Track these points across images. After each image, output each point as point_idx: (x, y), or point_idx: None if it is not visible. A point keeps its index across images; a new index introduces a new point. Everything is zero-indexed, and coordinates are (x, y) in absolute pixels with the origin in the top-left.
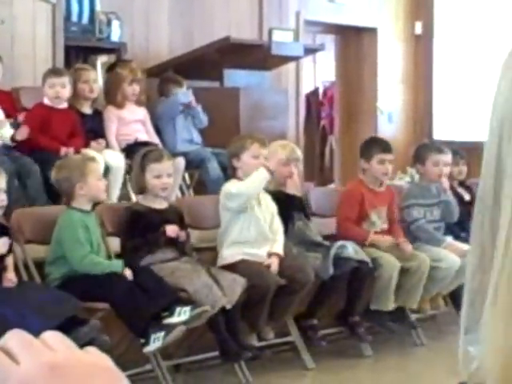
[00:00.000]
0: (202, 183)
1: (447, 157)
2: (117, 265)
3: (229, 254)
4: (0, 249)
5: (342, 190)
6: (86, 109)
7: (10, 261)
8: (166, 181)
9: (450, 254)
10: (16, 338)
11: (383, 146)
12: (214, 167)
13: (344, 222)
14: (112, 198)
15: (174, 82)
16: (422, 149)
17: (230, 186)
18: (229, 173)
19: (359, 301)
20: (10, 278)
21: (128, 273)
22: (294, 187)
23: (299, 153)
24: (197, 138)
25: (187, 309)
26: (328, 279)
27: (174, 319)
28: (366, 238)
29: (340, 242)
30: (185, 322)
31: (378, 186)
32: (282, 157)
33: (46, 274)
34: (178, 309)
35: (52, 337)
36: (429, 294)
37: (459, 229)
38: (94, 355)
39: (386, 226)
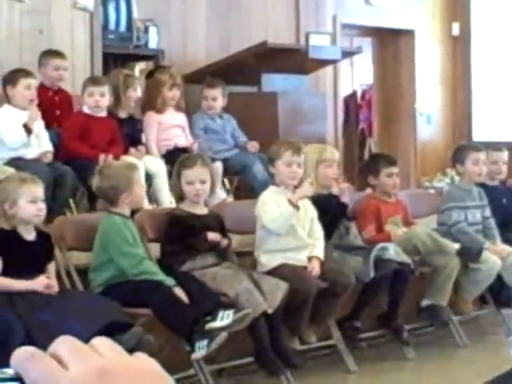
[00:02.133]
0: (242, 188)
1: (499, 155)
2: (170, 282)
3: (267, 260)
4: (40, 288)
5: (356, 207)
6: (123, 114)
7: (51, 268)
8: (199, 187)
9: (492, 255)
10: (65, 344)
11: (388, 159)
12: (259, 170)
13: (366, 234)
14: (164, 204)
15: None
16: (461, 148)
17: (265, 212)
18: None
19: (402, 303)
20: (53, 285)
21: (179, 291)
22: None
23: (337, 155)
24: (230, 141)
25: (230, 312)
26: (369, 282)
27: (217, 323)
28: (389, 237)
29: (381, 244)
30: (227, 326)
31: (389, 198)
32: (323, 158)
33: (89, 281)
34: (220, 313)
35: (101, 342)
36: (470, 296)
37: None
38: (142, 360)
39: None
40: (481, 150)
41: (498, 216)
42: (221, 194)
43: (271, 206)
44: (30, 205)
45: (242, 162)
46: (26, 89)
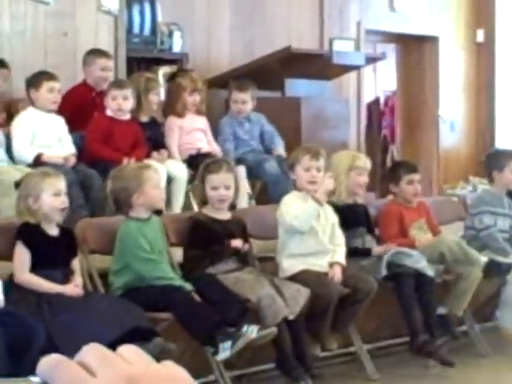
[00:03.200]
0: (263, 192)
1: None
2: (188, 287)
3: (289, 265)
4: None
5: (378, 214)
6: (144, 117)
7: (76, 264)
8: (224, 193)
9: None
10: (93, 351)
11: (410, 166)
12: (272, 166)
13: (390, 238)
14: (175, 208)
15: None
16: (500, 156)
17: (288, 212)
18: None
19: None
20: (78, 283)
21: (196, 296)
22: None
23: (369, 163)
24: (257, 146)
25: (254, 328)
26: (382, 281)
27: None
28: (413, 243)
29: (396, 249)
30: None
31: (411, 204)
32: (355, 165)
33: (110, 284)
34: (245, 327)
35: (128, 350)
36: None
37: None
38: (170, 368)
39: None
40: None
41: None
42: (243, 202)
43: (294, 206)
44: (53, 198)
45: (255, 159)
46: (49, 92)
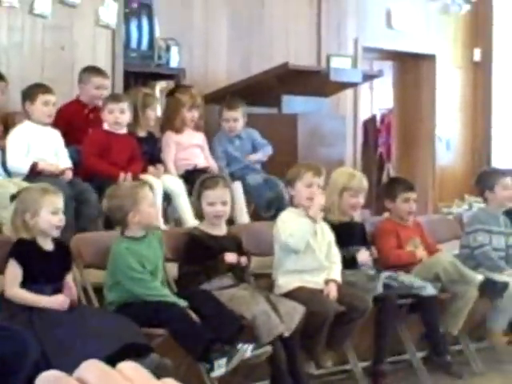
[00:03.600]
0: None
1: None
2: (182, 303)
3: (284, 282)
4: (60, 306)
5: (374, 229)
6: (141, 132)
7: (69, 278)
8: (220, 208)
9: None
10: (92, 368)
11: (406, 184)
12: (254, 178)
13: (390, 250)
14: (188, 222)
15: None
16: (489, 175)
17: (283, 230)
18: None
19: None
20: (69, 293)
21: (190, 313)
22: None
23: (366, 183)
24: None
25: (249, 347)
26: (382, 307)
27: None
28: (414, 257)
29: (389, 273)
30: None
31: (405, 222)
32: (350, 186)
33: (103, 300)
34: (240, 345)
35: (128, 367)
36: (499, 326)
37: None
38: None
39: (425, 254)
40: (507, 174)
41: None
42: (244, 217)
43: (290, 223)
44: (51, 216)
45: (238, 172)
46: (44, 105)
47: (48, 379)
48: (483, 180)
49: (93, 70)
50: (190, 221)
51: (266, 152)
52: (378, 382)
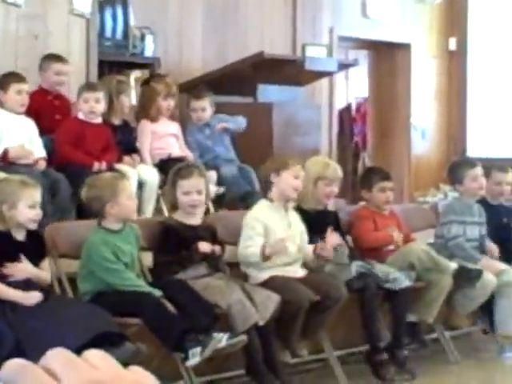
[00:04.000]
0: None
1: (502, 176)
2: (157, 293)
3: (257, 274)
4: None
5: (350, 217)
6: (116, 120)
7: (46, 265)
8: (195, 198)
9: (488, 274)
10: (58, 356)
11: (383, 174)
12: (229, 169)
13: (367, 233)
14: (146, 213)
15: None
16: (457, 168)
17: (244, 240)
18: (262, 188)
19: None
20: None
21: (165, 302)
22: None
23: (340, 172)
24: (221, 151)
25: (224, 336)
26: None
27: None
28: (391, 238)
29: (362, 262)
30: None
31: (382, 211)
32: (325, 175)
33: (77, 290)
34: (214, 334)
35: (94, 355)
36: (464, 311)
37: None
38: (138, 373)
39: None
40: (476, 164)
41: (498, 235)
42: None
43: (252, 236)
44: (29, 209)
45: (211, 162)
46: (17, 94)
47: (13, 368)
48: (453, 173)
49: (52, 57)
50: (148, 213)
51: (238, 122)
52: (379, 372)
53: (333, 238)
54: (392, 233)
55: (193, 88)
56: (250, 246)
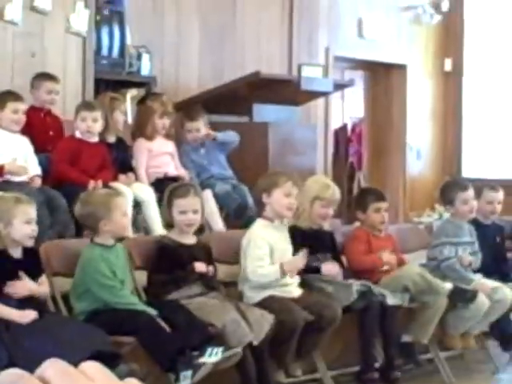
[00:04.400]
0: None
1: (494, 195)
2: (152, 311)
3: (253, 294)
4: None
5: (346, 235)
6: (111, 138)
7: (43, 280)
8: (191, 217)
9: (481, 294)
10: (54, 367)
11: (377, 194)
12: (222, 187)
13: (355, 256)
14: (157, 231)
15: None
16: (448, 189)
17: (252, 261)
18: (257, 207)
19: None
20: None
21: (160, 321)
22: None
23: (338, 195)
24: (216, 170)
25: (219, 350)
26: (361, 316)
27: (205, 359)
28: (379, 262)
29: (361, 282)
30: (215, 363)
31: (378, 233)
32: (322, 196)
33: (72, 308)
34: (209, 349)
35: (90, 366)
36: (456, 331)
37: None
38: None
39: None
40: (467, 187)
41: (491, 253)
42: (219, 224)
43: (262, 256)
44: (25, 226)
45: (206, 182)
46: (13, 113)
47: (9, 377)
48: (444, 194)
49: (43, 75)
50: (159, 230)
51: (229, 135)
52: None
53: (327, 267)
54: (382, 256)
55: (189, 107)
56: (261, 266)
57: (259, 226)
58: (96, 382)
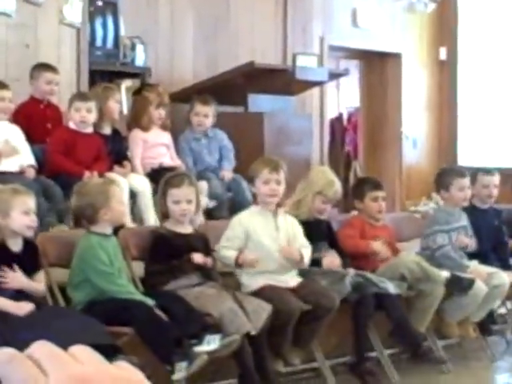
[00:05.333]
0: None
1: (489, 179)
2: (149, 301)
3: (249, 281)
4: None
5: (341, 226)
6: (107, 129)
7: (40, 277)
8: (185, 207)
9: (478, 281)
10: (44, 349)
11: (374, 183)
12: (215, 185)
13: (345, 238)
14: (148, 221)
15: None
16: (445, 174)
17: (224, 239)
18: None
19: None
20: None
21: (158, 311)
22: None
23: (340, 193)
24: (213, 162)
25: (217, 337)
26: (355, 307)
27: (204, 347)
28: (366, 247)
29: (354, 271)
30: (213, 351)
31: (375, 222)
32: (324, 193)
33: (70, 299)
34: (207, 337)
35: (80, 350)
36: (453, 319)
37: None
38: (124, 369)
39: (389, 256)
40: (465, 175)
41: (490, 238)
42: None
43: (230, 237)
44: (23, 216)
45: (203, 173)
46: None
47: (3, 357)
48: (440, 179)
49: (42, 66)
50: (152, 221)
51: (228, 168)
52: (366, 380)
53: (328, 260)
54: (372, 244)
55: (184, 98)
56: (226, 246)
57: (247, 211)
58: (86, 365)
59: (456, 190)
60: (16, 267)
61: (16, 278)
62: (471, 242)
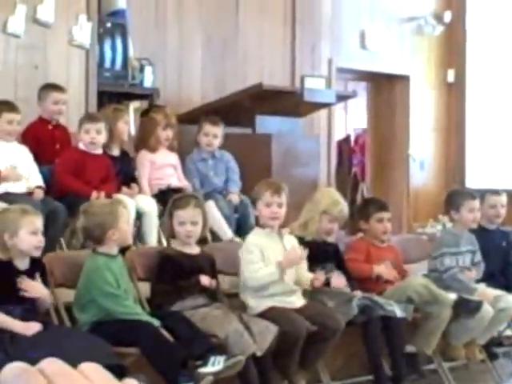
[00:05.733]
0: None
1: (496, 199)
2: (156, 322)
3: (255, 303)
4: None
5: (346, 249)
6: (115, 150)
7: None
8: (190, 228)
9: (485, 303)
10: (54, 365)
11: (380, 204)
12: (222, 206)
13: (350, 262)
14: (150, 242)
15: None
16: (456, 195)
17: (247, 266)
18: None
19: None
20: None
21: (164, 332)
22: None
23: (347, 212)
24: (220, 183)
25: (221, 359)
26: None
27: (208, 369)
28: (370, 271)
29: (361, 294)
30: (218, 372)
31: (381, 243)
32: (330, 212)
33: (75, 319)
34: (212, 358)
35: (90, 368)
36: (460, 341)
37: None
38: None
39: (395, 277)
40: (476, 197)
41: (498, 260)
42: (228, 233)
43: (254, 260)
44: (30, 236)
45: (210, 194)
46: (8, 124)
47: (14, 371)
48: (450, 200)
49: (50, 86)
50: (154, 242)
51: (235, 190)
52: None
53: (337, 281)
54: (374, 268)
55: (192, 119)
56: (257, 270)
57: (252, 233)
58: (95, 383)
59: (466, 212)
60: (37, 275)
61: (35, 287)
62: (478, 271)
